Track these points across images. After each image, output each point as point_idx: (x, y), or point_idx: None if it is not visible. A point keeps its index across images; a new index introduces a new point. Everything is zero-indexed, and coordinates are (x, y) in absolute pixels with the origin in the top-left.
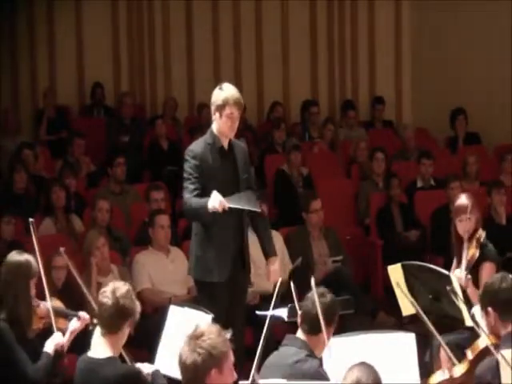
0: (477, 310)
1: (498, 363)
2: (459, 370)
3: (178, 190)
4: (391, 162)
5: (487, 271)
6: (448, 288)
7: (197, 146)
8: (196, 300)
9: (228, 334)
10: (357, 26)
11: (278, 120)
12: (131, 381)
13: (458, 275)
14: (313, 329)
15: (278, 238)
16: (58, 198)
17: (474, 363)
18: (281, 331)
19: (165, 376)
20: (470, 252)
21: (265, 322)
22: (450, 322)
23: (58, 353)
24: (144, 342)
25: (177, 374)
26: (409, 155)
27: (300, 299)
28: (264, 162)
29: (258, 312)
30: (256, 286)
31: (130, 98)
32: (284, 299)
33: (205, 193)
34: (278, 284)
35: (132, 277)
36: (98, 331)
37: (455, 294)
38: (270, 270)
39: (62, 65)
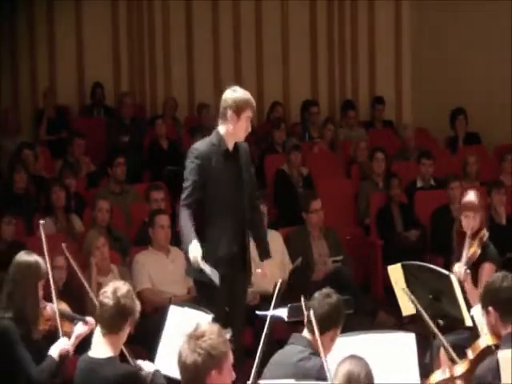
0: (476, 310)
1: (498, 364)
2: (460, 369)
3: (178, 189)
4: (391, 162)
5: (487, 271)
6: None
7: (202, 145)
8: (196, 300)
9: (228, 334)
10: (357, 26)
11: (278, 120)
12: (131, 381)
13: (456, 269)
14: (318, 329)
15: (277, 238)
16: (58, 197)
17: (474, 363)
18: (281, 331)
19: (165, 376)
20: (472, 249)
21: (265, 322)
22: (450, 322)
23: (63, 357)
24: (144, 341)
25: (176, 374)
26: (409, 155)
27: (297, 299)
28: (264, 162)
29: (257, 312)
30: (256, 286)
31: (130, 98)
32: (284, 299)
33: (206, 195)
34: (278, 285)
35: (132, 277)
36: (98, 331)
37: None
38: (264, 272)
39: (62, 65)
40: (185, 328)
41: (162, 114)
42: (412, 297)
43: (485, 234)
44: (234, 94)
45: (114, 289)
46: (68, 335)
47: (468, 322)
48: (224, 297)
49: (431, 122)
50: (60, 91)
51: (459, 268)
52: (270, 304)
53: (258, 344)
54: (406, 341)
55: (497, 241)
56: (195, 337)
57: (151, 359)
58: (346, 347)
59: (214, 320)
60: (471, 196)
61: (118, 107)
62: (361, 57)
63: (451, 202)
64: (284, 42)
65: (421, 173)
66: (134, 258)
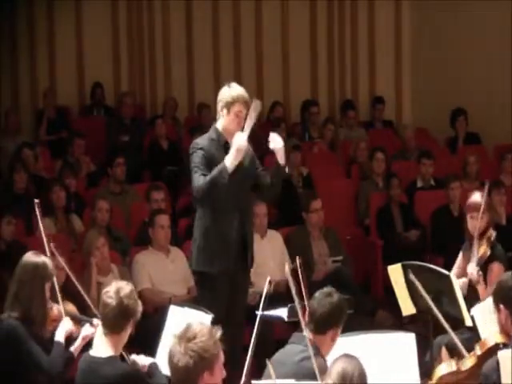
0: (476, 310)
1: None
2: (467, 363)
3: (178, 190)
4: (391, 162)
5: (496, 272)
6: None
7: (202, 140)
8: (196, 300)
9: (218, 332)
10: (357, 26)
11: (278, 120)
12: (131, 380)
13: (469, 271)
14: (318, 328)
15: (277, 238)
16: (58, 197)
17: (481, 359)
18: (281, 331)
19: (166, 376)
20: (482, 249)
21: (265, 322)
22: (450, 322)
23: (70, 339)
24: (144, 341)
25: None
26: (409, 155)
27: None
28: (264, 162)
29: (257, 312)
30: (256, 286)
31: (130, 98)
32: (284, 299)
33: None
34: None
35: (132, 277)
36: (100, 330)
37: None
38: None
39: (62, 65)
40: None
41: (162, 113)
42: (424, 293)
43: (492, 233)
44: (225, 89)
45: (116, 289)
46: (74, 338)
47: (468, 322)
48: (226, 292)
49: (431, 122)
50: (60, 91)
51: (472, 270)
52: (271, 304)
53: (258, 344)
54: (406, 341)
55: (497, 241)
56: (186, 339)
57: None
58: (346, 347)
59: (215, 318)
60: (476, 196)
61: (117, 107)
62: (361, 57)
63: (451, 202)
64: (284, 42)
65: (421, 173)
66: (134, 258)
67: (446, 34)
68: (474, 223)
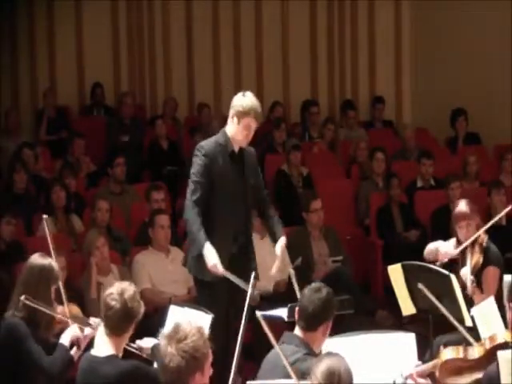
0: (476, 310)
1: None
2: (475, 353)
3: (178, 189)
4: (391, 162)
5: (491, 275)
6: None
7: (209, 144)
8: (196, 300)
9: (206, 331)
10: (357, 26)
11: (278, 120)
12: (131, 377)
13: (463, 273)
14: (309, 325)
15: None
16: (58, 198)
17: (489, 353)
18: (281, 331)
19: None
20: (474, 258)
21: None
22: (450, 322)
23: (74, 345)
24: None
25: None
26: (409, 155)
27: (297, 299)
28: (264, 161)
29: (257, 312)
30: (256, 286)
31: (130, 98)
32: (284, 299)
33: (211, 195)
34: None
35: (132, 277)
36: (101, 329)
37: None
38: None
39: (62, 65)
40: None
41: (162, 114)
42: (428, 293)
43: (483, 238)
44: (240, 98)
45: (120, 291)
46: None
47: (468, 322)
48: (224, 297)
49: (431, 122)
50: (60, 91)
51: (465, 276)
52: (271, 304)
53: (258, 344)
54: (406, 341)
55: (497, 241)
56: (177, 339)
57: (151, 361)
58: (346, 347)
59: (214, 320)
60: (461, 206)
61: (117, 107)
62: (361, 57)
63: (451, 202)
64: (284, 42)
65: (421, 173)
66: (134, 258)
67: (446, 34)
68: (463, 233)
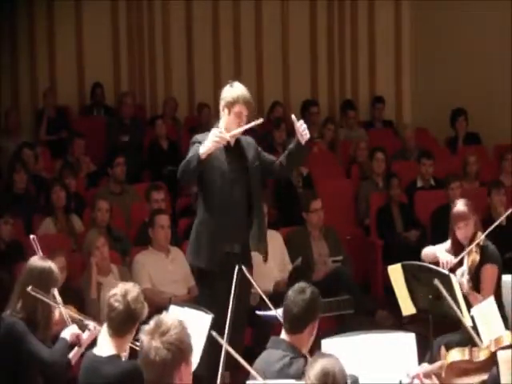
0: (476, 310)
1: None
2: (481, 355)
3: (178, 190)
4: (391, 162)
5: (489, 273)
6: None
7: (202, 136)
8: (196, 300)
9: (186, 323)
10: (357, 26)
11: (278, 120)
12: (131, 377)
13: (459, 281)
14: (294, 328)
15: (277, 238)
16: (58, 197)
17: (495, 356)
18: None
19: None
20: (471, 258)
21: (264, 323)
22: (450, 322)
23: (74, 343)
24: None
25: None
26: (409, 155)
27: None
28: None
29: (257, 312)
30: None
31: (130, 98)
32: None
33: (209, 186)
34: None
35: (132, 277)
36: (104, 329)
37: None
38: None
39: (62, 65)
40: None
41: (162, 114)
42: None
43: (480, 237)
44: (227, 89)
45: (124, 292)
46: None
47: (468, 322)
48: (224, 294)
49: (431, 122)
50: (60, 91)
51: (461, 279)
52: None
53: (258, 345)
54: (406, 341)
55: (497, 241)
56: (160, 333)
57: None
58: (346, 347)
59: (214, 319)
60: (459, 206)
61: (117, 107)
62: (361, 57)
63: (451, 202)
64: (284, 42)
65: (421, 173)
66: (134, 258)
67: (446, 34)
68: (462, 233)
